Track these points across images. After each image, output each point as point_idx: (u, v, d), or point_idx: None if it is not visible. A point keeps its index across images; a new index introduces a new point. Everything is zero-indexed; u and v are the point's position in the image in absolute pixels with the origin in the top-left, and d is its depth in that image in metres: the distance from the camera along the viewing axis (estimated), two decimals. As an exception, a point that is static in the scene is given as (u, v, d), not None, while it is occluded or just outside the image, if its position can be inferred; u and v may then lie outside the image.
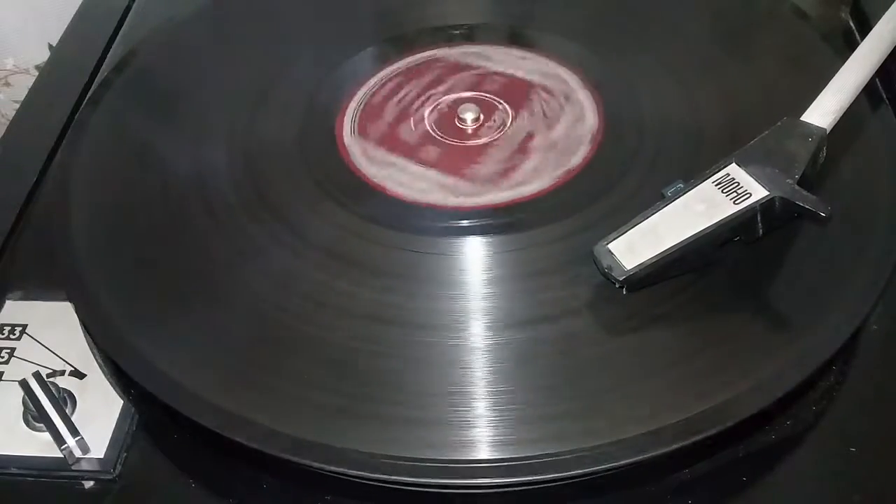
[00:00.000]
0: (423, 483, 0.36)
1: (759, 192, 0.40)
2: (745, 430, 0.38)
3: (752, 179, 0.41)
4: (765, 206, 0.40)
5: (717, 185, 0.41)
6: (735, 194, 0.40)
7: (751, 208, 0.40)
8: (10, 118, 0.58)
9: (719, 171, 0.42)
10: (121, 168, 0.49)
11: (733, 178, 0.41)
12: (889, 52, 0.46)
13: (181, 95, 0.54)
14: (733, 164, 0.42)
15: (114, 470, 0.39)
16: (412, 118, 0.51)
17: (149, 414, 0.41)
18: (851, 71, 0.45)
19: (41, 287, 0.46)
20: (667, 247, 0.39)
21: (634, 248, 0.40)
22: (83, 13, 0.67)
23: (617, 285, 0.40)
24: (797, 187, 0.40)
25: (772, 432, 0.39)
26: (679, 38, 0.55)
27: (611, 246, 0.40)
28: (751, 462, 0.38)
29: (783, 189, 0.40)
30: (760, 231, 0.41)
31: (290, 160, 0.49)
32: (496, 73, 0.54)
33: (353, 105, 0.52)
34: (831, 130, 0.44)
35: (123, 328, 0.41)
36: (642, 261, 0.39)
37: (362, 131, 0.50)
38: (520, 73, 0.54)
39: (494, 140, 0.50)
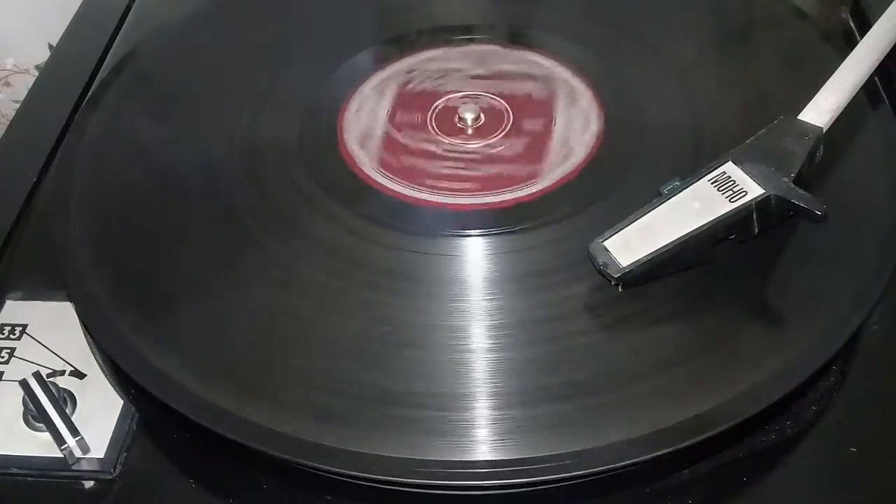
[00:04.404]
0: (423, 484, 0.36)
1: (754, 191, 0.40)
2: (745, 430, 0.38)
3: (747, 178, 0.41)
4: (760, 205, 0.40)
5: (713, 183, 0.41)
6: (731, 192, 0.41)
7: (746, 206, 0.40)
8: (10, 118, 0.58)
9: (715, 169, 0.42)
10: (120, 168, 0.49)
11: (729, 177, 0.41)
12: (887, 51, 0.46)
13: (181, 96, 0.54)
14: (729, 163, 0.42)
15: (114, 470, 0.39)
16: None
17: (149, 414, 0.41)
18: (849, 70, 0.45)
19: (41, 287, 0.46)
20: (662, 244, 0.40)
21: (630, 245, 0.40)
22: (83, 13, 0.67)
23: (613, 282, 0.40)
24: (793, 186, 0.40)
25: (772, 432, 0.39)
26: (679, 38, 0.55)
27: (607, 243, 0.40)
28: (751, 462, 0.38)
29: (779, 187, 0.40)
30: (756, 229, 0.41)
31: (290, 160, 0.49)
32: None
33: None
34: (831, 129, 0.44)
35: (123, 328, 0.41)
36: (638, 258, 0.39)
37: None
38: (549, 80, 0.53)
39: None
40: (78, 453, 0.39)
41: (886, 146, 0.47)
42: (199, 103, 0.53)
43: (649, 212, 0.41)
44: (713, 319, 0.40)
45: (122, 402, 0.41)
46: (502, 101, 0.52)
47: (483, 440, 0.36)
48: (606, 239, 0.40)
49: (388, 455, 0.36)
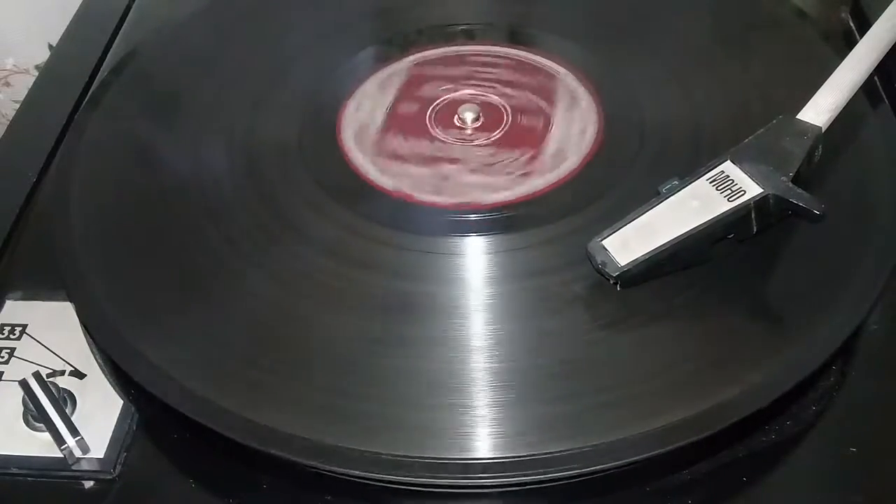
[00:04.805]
0: (423, 483, 0.36)
1: (753, 190, 0.40)
2: (745, 430, 0.38)
3: (746, 177, 0.41)
4: (759, 204, 0.40)
5: (711, 183, 0.41)
6: (729, 191, 0.41)
7: (745, 206, 0.40)
8: (10, 118, 0.58)
9: (714, 168, 0.42)
10: (120, 168, 0.49)
11: (728, 176, 0.41)
12: (886, 51, 0.46)
13: (181, 96, 0.54)
14: (728, 162, 0.42)
15: (114, 470, 0.39)
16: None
17: (149, 414, 0.41)
18: (848, 70, 0.45)
19: (41, 287, 0.46)
20: (661, 243, 0.40)
21: (629, 244, 0.40)
22: (83, 13, 0.67)
23: (611, 281, 0.40)
24: (791, 185, 0.40)
25: (772, 432, 0.39)
26: (679, 38, 0.55)
27: (605, 242, 0.40)
28: (751, 462, 0.38)
29: (777, 187, 0.40)
30: (754, 228, 0.41)
31: (290, 160, 0.49)
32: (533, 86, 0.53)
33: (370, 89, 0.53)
34: (831, 129, 0.44)
35: (123, 328, 0.41)
36: (636, 257, 0.40)
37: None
38: (548, 79, 0.53)
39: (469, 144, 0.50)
40: (78, 453, 0.39)
41: (886, 146, 0.47)
42: (199, 103, 0.53)
43: (648, 211, 0.41)
44: (712, 319, 0.40)
45: (122, 402, 0.41)
46: (501, 101, 0.52)
47: (483, 440, 0.36)
48: (605, 238, 0.41)
49: (388, 454, 0.36)
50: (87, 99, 0.55)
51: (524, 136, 0.50)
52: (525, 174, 0.48)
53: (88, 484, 0.39)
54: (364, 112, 0.52)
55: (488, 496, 0.37)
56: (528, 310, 0.41)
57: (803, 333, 0.39)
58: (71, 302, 0.43)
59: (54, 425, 0.38)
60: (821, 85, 0.45)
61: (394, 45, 0.57)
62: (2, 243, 0.49)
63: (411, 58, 0.56)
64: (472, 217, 0.45)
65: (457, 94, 0.53)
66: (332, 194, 0.47)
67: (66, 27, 0.66)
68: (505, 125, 0.51)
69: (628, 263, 0.39)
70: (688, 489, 0.37)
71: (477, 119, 0.51)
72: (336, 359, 0.40)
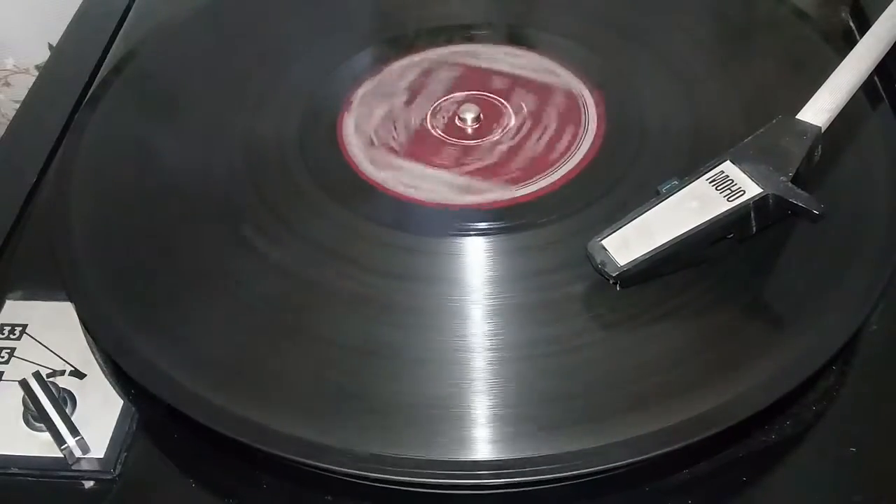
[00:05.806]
0: (424, 483, 0.36)
1: (752, 190, 0.40)
2: (745, 430, 0.38)
3: (745, 177, 0.41)
4: (758, 204, 0.40)
5: (711, 183, 0.41)
6: (729, 191, 0.41)
7: (744, 206, 0.40)
8: (10, 118, 0.58)
9: (714, 168, 0.42)
10: (120, 168, 0.50)
11: (727, 176, 0.41)
12: (886, 51, 0.46)
13: (181, 96, 0.54)
14: (727, 162, 0.42)
15: (114, 470, 0.39)
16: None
17: (149, 414, 0.41)
18: (847, 70, 0.45)
19: (41, 287, 0.46)
20: (660, 243, 0.40)
21: (628, 244, 0.40)
22: (83, 13, 0.67)
23: (611, 281, 0.40)
24: (791, 185, 0.40)
25: (772, 432, 0.39)
26: (679, 38, 0.55)
27: (605, 242, 0.40)
28: (751, 462, 0.38)
29: (777, 187, 0.40)
30: (754, 228, 0.41)
31: (290, 160, 0.49)
32: (525, 81, 0.53)
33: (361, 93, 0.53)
34: (831, 129, 0.44)
35: (123, 328, 0.41)
36: (635, 257, 0.40)
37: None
38: (549, 80, 0.53)
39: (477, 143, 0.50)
40: (78, 453, 0.39)
41: (886, 146, 0.47)
42: (199, 103, 0.53)
43: (647, 211, 0.41)
44: (712, 319, 0.40)
45: (122, 402, 0.41)
46: (502, 101, 0.52)
47: (483, 440, 0.36)
48: (604, 238, 0.41)
49: (389, 455, 0.36)
50: (87, 99, 0.55)
51: (524, 136, 0.50)
52: (525, 174, 0.48)
53: (88, 484, 0.39)
54: (364, 112, 0.52)
55: (488, 496, 0.37)
56: (527, 310, 0.41)
57: (803, 333, 0.39)
58: (71, 302, 0.43)
59: (54, 425, 0.38)
60: (821, 85, 0.45)
61: (393, 44, 0.57)
62: (2, 243, 0.49)
63: (411, 57, 0.56)
64: (472, 217, 0.45)
65: (457, 94, 0.53)
66: (333, 194, 0.47)
67: (66, 27, 0.66)
68: (505, 126, 0.51)
69: (628, 263, 0.40)
70: (688, 489, 0.37)
71: (477, 119, 0.51)
72: (335, 359, 0.40)
